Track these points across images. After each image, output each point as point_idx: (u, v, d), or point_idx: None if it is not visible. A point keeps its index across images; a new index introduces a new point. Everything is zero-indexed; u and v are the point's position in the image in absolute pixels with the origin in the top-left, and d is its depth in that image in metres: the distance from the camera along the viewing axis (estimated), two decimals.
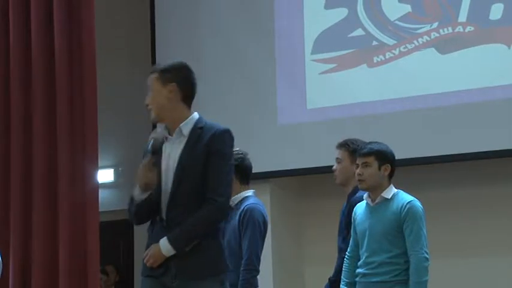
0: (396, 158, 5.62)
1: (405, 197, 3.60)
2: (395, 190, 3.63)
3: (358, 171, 3.65)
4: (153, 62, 6.49)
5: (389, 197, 3.58)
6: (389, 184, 3.63)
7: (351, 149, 3.92)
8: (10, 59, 5.88)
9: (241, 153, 4.14)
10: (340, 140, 4.02)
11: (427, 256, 3.49)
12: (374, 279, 3.52)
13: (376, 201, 3.60)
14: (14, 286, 5.56)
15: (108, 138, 6.58)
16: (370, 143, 3.72)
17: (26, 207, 5.69)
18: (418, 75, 5.63)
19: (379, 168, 3.60)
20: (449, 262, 5.54)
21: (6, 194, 5.75)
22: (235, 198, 4.07)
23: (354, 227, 3.69)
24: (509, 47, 5.44)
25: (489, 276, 5.55)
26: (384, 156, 3.62)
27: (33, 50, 5.81)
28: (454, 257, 5.63)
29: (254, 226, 3.94)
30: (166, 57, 6.43)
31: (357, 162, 3.67)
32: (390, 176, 3.64)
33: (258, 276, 4.08)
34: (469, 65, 5.51)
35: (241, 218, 3.97)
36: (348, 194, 3.97)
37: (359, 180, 3.64)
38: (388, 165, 3.62)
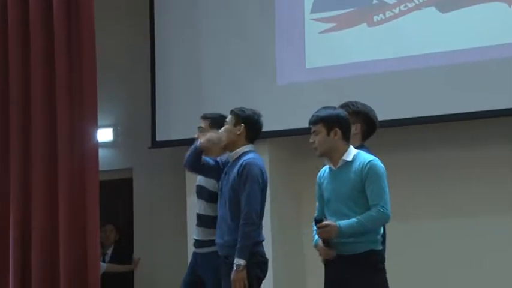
0: (396, 117, 5.65)
1: (365, 157, 3.61)
2: (356, 151, 3.65)
3: (310, 139, 3.69)
4: (152, 21, 6.44)
5: (350, 159, 3.60)
6: (348, 146, 3.64)
7: (351, 110, 3.90)
8: (8, 16, 5.84)
9: (257, 113, 4.22)
10: (339, 101, 4.01)
11: (389, 214, 3.50)
12: (342, 240, 3.54)
13: (339, 164, 3.63)
14: (14, 246, 5.61)
15: (107, 97, 6.56)
16: (318, 109, 3.71)
17: (25, 167, 5.71)
18: (419, 34, 5.58)
19: (328, 134, 3.61)
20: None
21: (6, 154, 5.76)
22: (235, 153, 4.11)
23: (321, 191, 3.71)
24: (510, 6, 5.39)
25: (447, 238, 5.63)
26: (330, 121, 3.62)
27: (31, 8, 5.76)
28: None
29: (253, 180, 4.00)
30: (164, 17, 6.39)
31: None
32: (345, 138, 3.63)
33: None
34: (470, 24, 5.46)
35: (240, 172, 4.01)
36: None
37: (313, 148, 3.67)
38: (337, 129, 3.62)
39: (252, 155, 4.10)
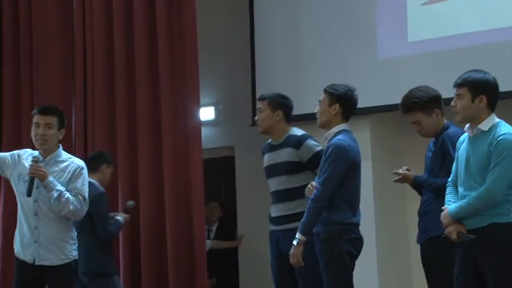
0: (503, 90, 5.41)
1: (502, 130, 3.38)
2: (496, 121, 3.42)
3: (452, 102, 3.50)
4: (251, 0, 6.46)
5: (486, 129, 3.39)
6: (489, 115, 3.42)
7: (421, 105, 3.90)
8: (113, 3, 6.00)
9: (351, 89, 4.17)
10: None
11: (493, 191, 3.27)
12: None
13: (474, 133, 3.43)
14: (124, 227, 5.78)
15: (208, 76, 6.65)
16: (467, 72, 3.51)
17: (131, 146, 5.87)
18: None
19: (473, 100, 3.41)
20: None
21: (113, 135, 5.94)
22: (329, 133, 4.11)
23: (456, 157, 3.58)
24: None
25: None
26: (477, 87, 3.41)
27: None
28: None
29: (332, 162, 3.97)
30: None
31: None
32: (491, 106, 3.43)
33: (361, 211, 4.12)
34: None
35: (326, 153, 4.05)
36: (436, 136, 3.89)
37: (454, 112, 3.50)
38: (483, 96, 3.41)
39: (342, 135, 4.06)
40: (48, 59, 6.22)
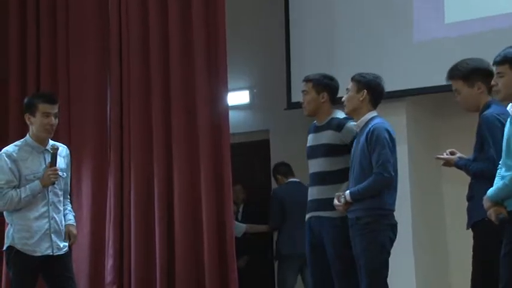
0: None
1: None
2: None
3: (492, 81, 3.38)
4: None
5: None
6: None
7: (463, 74, 3.75)
8: None
9: (378, 77, 4.22)
10: (481, 57, 3.83)
11: None
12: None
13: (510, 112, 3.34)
14: (159, 208, 5.84)
15: (243, 60, 6.66)
16: (506, 48, 3.37)
17: (166, 136, 5.92)
18: None
19: None
20: None
21: (149, 123, 5.98)
22: (361, 121, 4.14)
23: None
24: None
25: None
26: None
27: None
28: None
29: (382, 142, 4.01)
30: None
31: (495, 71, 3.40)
32: None
33: (397, 196, 4.11)
34: None
35: (369, 137, 4.04)
36: (479, 114, 3.81)
37: (494, 90, 3.40)
38: None
39: (379, 119, 4.12)
40: (84, 49, 6.29)
